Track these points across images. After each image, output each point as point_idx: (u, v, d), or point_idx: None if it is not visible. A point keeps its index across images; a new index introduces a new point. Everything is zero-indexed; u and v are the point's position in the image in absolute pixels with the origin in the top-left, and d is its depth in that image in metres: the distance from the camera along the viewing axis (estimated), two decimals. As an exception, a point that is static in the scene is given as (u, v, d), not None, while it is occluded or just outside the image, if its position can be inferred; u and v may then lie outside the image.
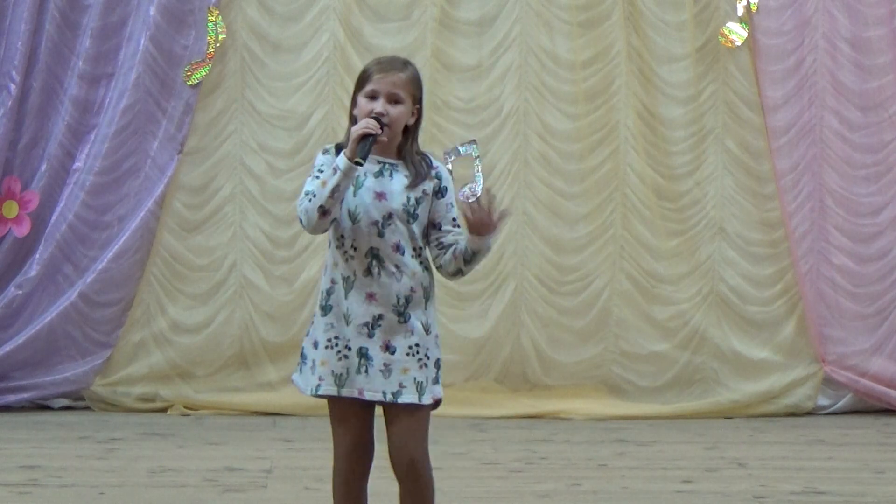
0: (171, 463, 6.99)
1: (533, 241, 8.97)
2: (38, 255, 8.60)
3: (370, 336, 4.20)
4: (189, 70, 8.69)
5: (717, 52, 8.99)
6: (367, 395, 4.22)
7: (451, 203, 4.34)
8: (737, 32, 8.93)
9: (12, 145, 8.62)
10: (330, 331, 4.23)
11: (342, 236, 4.22)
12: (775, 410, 8.96)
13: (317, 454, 7.24)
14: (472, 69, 8.93)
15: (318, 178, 4.16)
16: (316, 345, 4.25)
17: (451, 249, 4.29)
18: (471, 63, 8.92)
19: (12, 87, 8.52)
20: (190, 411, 8.66)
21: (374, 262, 4.21)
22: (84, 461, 7.05)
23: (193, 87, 8.71)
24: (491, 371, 8.91)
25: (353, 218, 4.20)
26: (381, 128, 4.18)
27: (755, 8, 8.94)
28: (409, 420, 4.25)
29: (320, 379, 4.23)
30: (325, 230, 4.20)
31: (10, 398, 8.58)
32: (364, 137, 4.13)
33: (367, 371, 4.21)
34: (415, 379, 4.22)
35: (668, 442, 7.94)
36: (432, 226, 4.31)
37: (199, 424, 8.30)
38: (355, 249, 4.21)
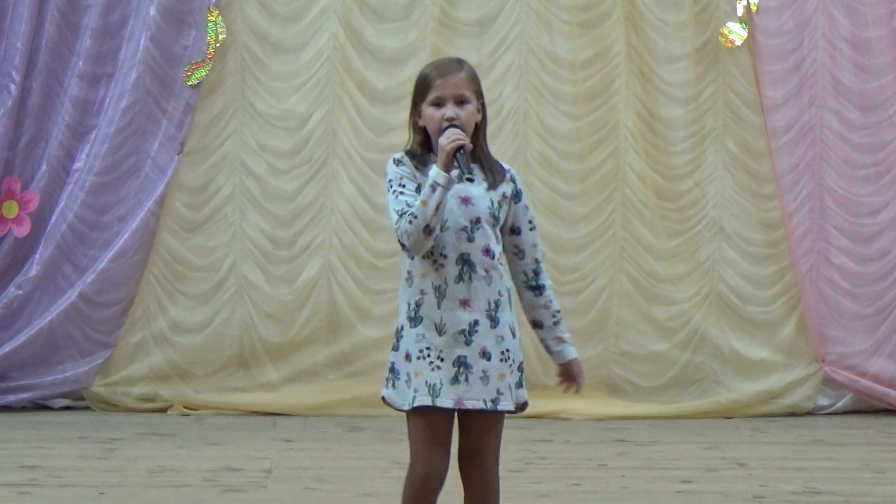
0: (171, 463, 6.98)
1: (533, 241, 8.95)
2: (38, 255, 8.60)
3: (467, 344, 4.13)
4: (189, 70, 8.69)
5: (717, 52, 8.99)
6: (468, 404, 4.12)
7: (527, 205, 4.30)
8: (737, 32, 8.93)
9: (12, 145, 8.62)
10: (422, 341, 4.13)
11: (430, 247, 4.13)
12: (775, 410, 8.96)
13: (317, 454, 7.25)
14: (472, 69, 8.92)
15: (402, 193, 4.10)
16: (409, 357, 4.16)
17: (538, 286, 4.35)
18: (471, 63, 8.90)
19: (12, 87, 8.53)
20: (190, 411, 8.66)
21: (466, 268, 4.14)
22: (84, 461, 7.05)
23: (193, 87, 8.71)
24: (491, 371, 8.91)
25: (442, 225, 4.11)
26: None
27: (755, 8, 8.94)
28: (498, 427, 4.23)
29: (415, 391, 4.13)
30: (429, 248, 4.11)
31: (10, 398, 8.58)
32: (458, 150, 4.05)
33: (466, 379, 4.12)
34: (509, 385, 4.17)
35: (668, 442, 7.94)
36: (511, 230, 4.27)
37: (199, 424, 8.30)
38: (445, 257, 4.13)
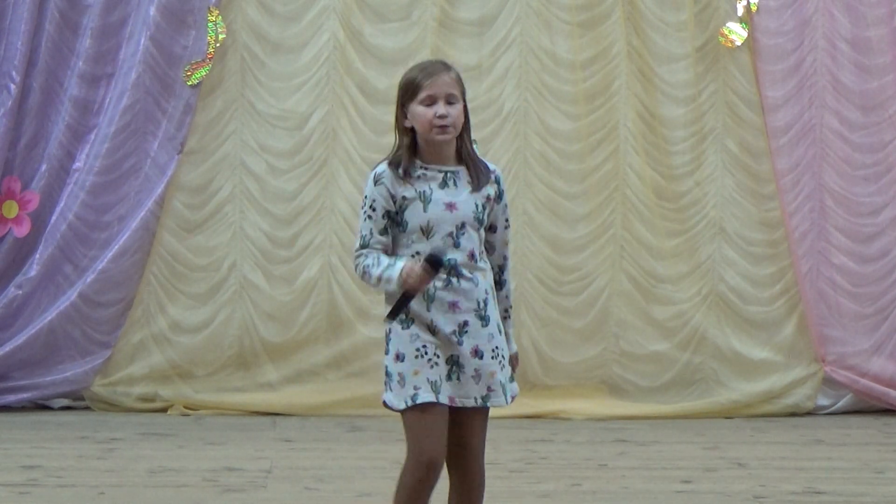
0: (171, 463, 6.99)
1: (533, 241, 8.97)
2: (38, 255, 8.60)
3: (459, 344, 4.21)
4: (189, 70, 8.69)
5: (717, 52, 8.99)
6: (459, 402, 4.21)
7: (506, 204, 4.37)
8: (737, 32, 8.93)
9: (12, 145, 8.62)
10: (416, 340, 4.21)
11: (417, 252, 4.20)
12: (775, 410, 8.96)
13: (317, 454, 7.25)
14: (472, 69, 8.92)
15: (370, 217, 4.20)
16: (401, 357, 4.22)
17: (500, 281, 4.37)
18: (471, 63, 8.92)
19: (12, 87, 8.53)
20: (190, 411, 8.66)
21: (452, 273, 4.20)
22: (84, 461, 7.05)
23: (193, 87, 8.71)
24: (491, 371, 8.91)
25: (428, 233, 4.20)
26: (446, 129, 4.23)
27: (755, 8, 8.94)
28: (484, 421, 4.31)
29: (415, 388, 4.18)
30: None
31: (10, 398, 8.58)
32: (408, 294, 4.14)
33: (458, 378, 4.21)
34: (500, 381, 4.25)
35: (668, 442, 7.95)
36: (488, 227, 4.33)
37: (199, 424, 8.30)
38: None
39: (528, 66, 8.95)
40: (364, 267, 4.22)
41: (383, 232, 4.23)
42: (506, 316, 4.37)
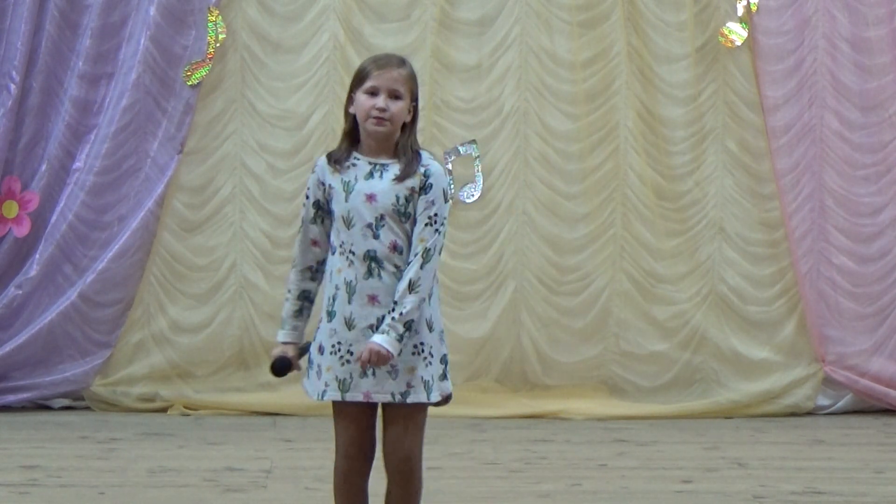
0: (171, 463, 6.99)
1: (533, 241, 8.97)
2: (38, 255, 8.60)
3: None
4: (189, 70, 8.69)
5: (717, 52, 8.99)
6: (375, 398, 4.26)
7: (432, 200, 4.25)
8: (737, 32, 8.93)
9: (12, 145, 8.62)
10: (333, 336, 4.27)
11: (342, 242, 4.27)
12: (775, 410, 8.95)
13: (317, 454, 7.24)
14: (472, 69, 8.93)
15: (304, 205, 4.36)
16: (322, 350, 4.30)
17: (399, 284, 4.23)
18: (471, 63, 8.92)
19: (12, 87, 8.52)
20: (190, 411, 8.65)
21: (374, 265, 4.24)
22: (84, 461, 7.05)
23: (193, 87, 8.71)
24: (491, 371, 8.91)
25: (348, 223, 4.25)
26: (382, 122, 4.23)
27: (755, 8, 8.94)
28: (408, 418, 4.31)
29: (326, 385, 4.28)
30: None
31: (10, 398, 8.58)
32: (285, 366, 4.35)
33: (373, 373, 4.24)
34: (422, 378, 4.25)
35: (668, 442, 7.94)
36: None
37: (199, 424, 8.30)
38: (353, 254, 4.25)
39: (528, 66, 8.95)
40: (288, 286, 4.45)
41: (312, 221, 4.35)
42: (392, 309, 4.19)
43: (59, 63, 8.67)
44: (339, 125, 9.09)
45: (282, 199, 8.84)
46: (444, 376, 4.32)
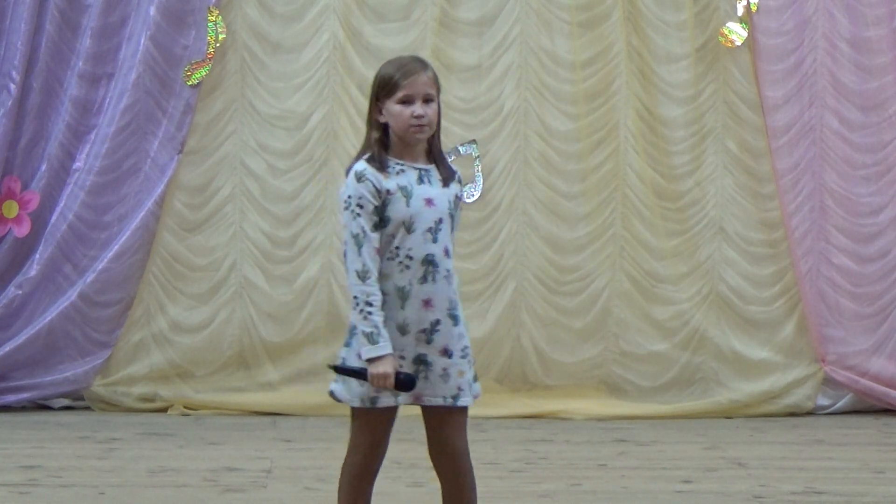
0: (171, 463, 6.99)
1: (533, 241, 8.97)
2: (38, 255, 8.60)
3: (428, 342, 4.24)
4: (189, 70, 8.69)
5: (717, 52, 8.99)
6: (427, 401, 4.27)
7: (460, 207, 4.43)
8: (737, 32, 8.93)
9: (12, 145, 8.62)
10: None
11: (397, 247, 4.22)
12: (775, 410, 8.95)
13: (317, 454, 7.25)
14: (472, 69, 8.93)
15: (360, 216, 4.17)
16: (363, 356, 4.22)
17: None
18: (471, 63, 8.92)
19: (12, 87, 8.53)
20: (190, 411, 8.66)
21: (430, 269, 4.23)
22: (84, 461, 7.05)
23: (193, 87, 8.71)
24: (491, 371, 8.91)
25: (409, 227, 4.22)
26: (423, 129, 4.21)
27: (755, 8, 8.94)
28: (461, 419, 4.35)
29: (377, 390, 4.21)
30: None
31: (10, 398, 8.58)
32: (362, 376, 4.18)
33: (426, 377, 4.25)
34: (468, 381, 4.31)
35: (668, 442, 7.94)
36: None
37: (199, 424, 8.30)
38: (411, 259, 4.23)
39: (528, 66, 8.95)
40: (368, 300, 4.16)
41: (374, 229, 4.21)
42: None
43: (59, 63, 8.67)
44: (339, 125, 9.17)
45: (282, 199, 8.84)
46: (476, 378, 4.38)
